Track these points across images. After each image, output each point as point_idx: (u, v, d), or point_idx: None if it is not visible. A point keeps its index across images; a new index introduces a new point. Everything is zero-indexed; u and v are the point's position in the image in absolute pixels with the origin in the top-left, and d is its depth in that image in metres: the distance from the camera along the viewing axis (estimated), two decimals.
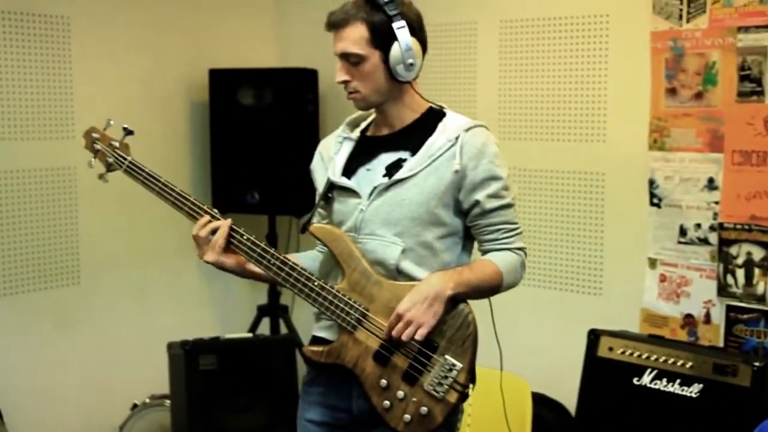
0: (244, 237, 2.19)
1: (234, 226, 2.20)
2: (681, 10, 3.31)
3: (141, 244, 4.13)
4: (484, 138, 2.20)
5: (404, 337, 2.07)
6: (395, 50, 2.14)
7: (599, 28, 3.55)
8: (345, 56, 2.18)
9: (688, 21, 3.30)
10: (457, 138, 2.17)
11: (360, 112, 2.35)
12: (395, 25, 2.14)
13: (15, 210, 3.66)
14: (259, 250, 2.19)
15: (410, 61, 2.16)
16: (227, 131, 4.23)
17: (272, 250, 2.19)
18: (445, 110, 2.29)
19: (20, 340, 3.71)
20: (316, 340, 2.26)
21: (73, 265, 3.87)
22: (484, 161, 2.17)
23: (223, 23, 4.44)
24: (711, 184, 3.29)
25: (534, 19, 3.71)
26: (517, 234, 2.24)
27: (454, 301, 2.13)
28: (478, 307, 2.19)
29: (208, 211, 2.21)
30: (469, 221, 2.22)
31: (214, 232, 2.18)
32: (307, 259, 2.35)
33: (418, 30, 2.20)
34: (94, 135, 2.31)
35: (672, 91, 3.36)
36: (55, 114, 3.77)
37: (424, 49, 2.23)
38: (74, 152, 3.72)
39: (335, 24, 2.17)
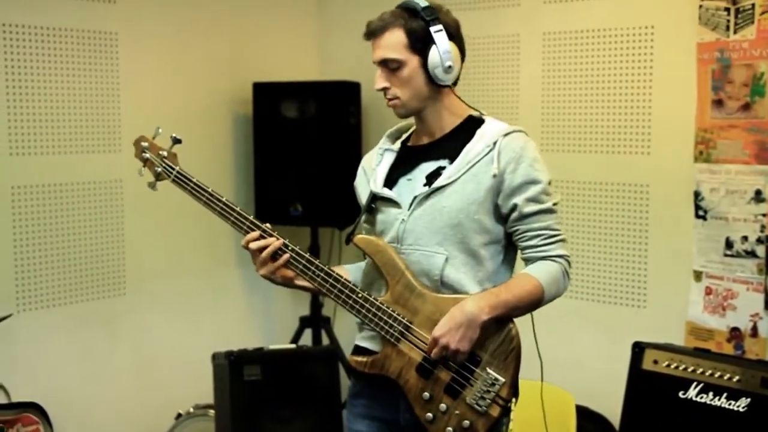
0: (290, 248, 2.20)
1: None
2: (728, 20, 3.28)
3: (185, 256, 4.18)
4: (523, 142, 2.19)
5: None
6: (433, 54, 2.15)
7: (644, 39, 3.52)
8: (384, 63, 2.19)
9: (735, 32, 3.26)
10: (495, 143, 2.16)
11: (400, 125, 2.36)
12: (433, 29, 2.15)
13: (64, 222, 3.72)
14: (304, 261, 2.20)
15: (449, 63, 2.16)
16: (270, 144, 4.27)
17: (317, 262, 2.20)
18: (484, 117, 2.28)
19: (68, 350, 3.77)
20: (358, 350, 2.27)
21: (119, 276, 3.92)
22: (523, 165, 2.15)
23: (267, 37, 4.48)
24: (758, 197, 3.25)
25: (577, 31, 3.70)
26: (558, 241, 2.19)
27: (498, 320, 2.12)
28: (521, 319, 2.18)
29: (255, 222, 2.21)
30: (509, 227, 2.20)
31: (262, 249, 2.18)
32: (358, 270, 2.36)
33: (455, 35, 2.21)
34: (143, 144, 2.31)
35: (718, 103, 3.33)
36: (103, 128, 3.82)
37: (463, 54, 2.24)
38: (121, 165, 3.82)
39: (373, 32, 2.19)
